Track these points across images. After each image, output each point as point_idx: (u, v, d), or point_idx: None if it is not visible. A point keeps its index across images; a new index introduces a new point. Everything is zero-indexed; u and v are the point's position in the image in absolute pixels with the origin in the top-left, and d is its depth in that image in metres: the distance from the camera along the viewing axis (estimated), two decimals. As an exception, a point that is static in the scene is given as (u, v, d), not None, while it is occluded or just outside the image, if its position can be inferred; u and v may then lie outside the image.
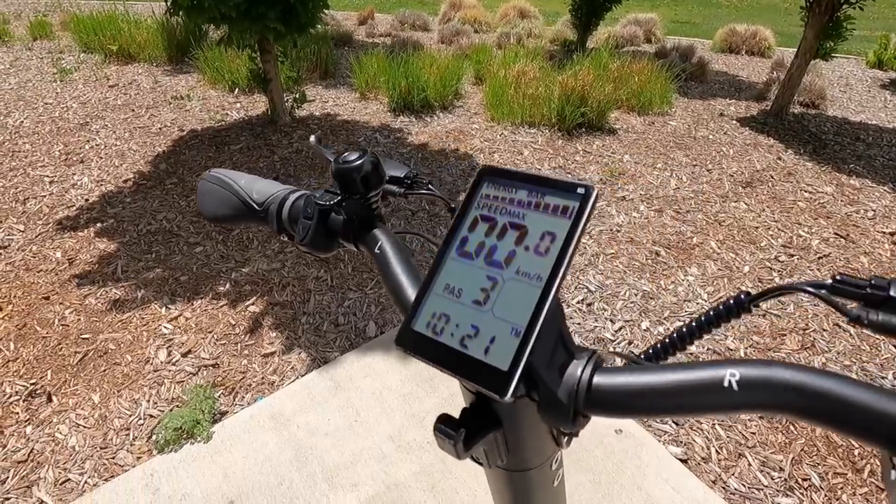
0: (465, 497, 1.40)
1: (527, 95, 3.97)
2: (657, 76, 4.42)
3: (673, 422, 1.63)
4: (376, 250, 0.45)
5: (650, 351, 0.35)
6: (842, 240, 2.59)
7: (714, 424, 1.62)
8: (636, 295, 2.19)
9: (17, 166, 3.19)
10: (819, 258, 2.45)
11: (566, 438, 0.38)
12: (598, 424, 1.57)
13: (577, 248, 0.30)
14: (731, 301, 0.33)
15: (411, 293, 0.40)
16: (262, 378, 1.79)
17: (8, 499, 1.41)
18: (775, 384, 0.26)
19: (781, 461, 1.51)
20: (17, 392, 1.71)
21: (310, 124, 3.85)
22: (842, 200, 2.97)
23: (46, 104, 4.19)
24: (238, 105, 4.24)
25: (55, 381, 1.76)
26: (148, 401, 1.71)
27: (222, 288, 2.19)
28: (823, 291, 0.28)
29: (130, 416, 1.66)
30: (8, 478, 1.46)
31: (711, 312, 0.34)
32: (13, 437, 1.57)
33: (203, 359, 1.86)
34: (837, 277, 0.28)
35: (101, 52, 5.54)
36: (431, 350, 0.32)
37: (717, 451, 1.54)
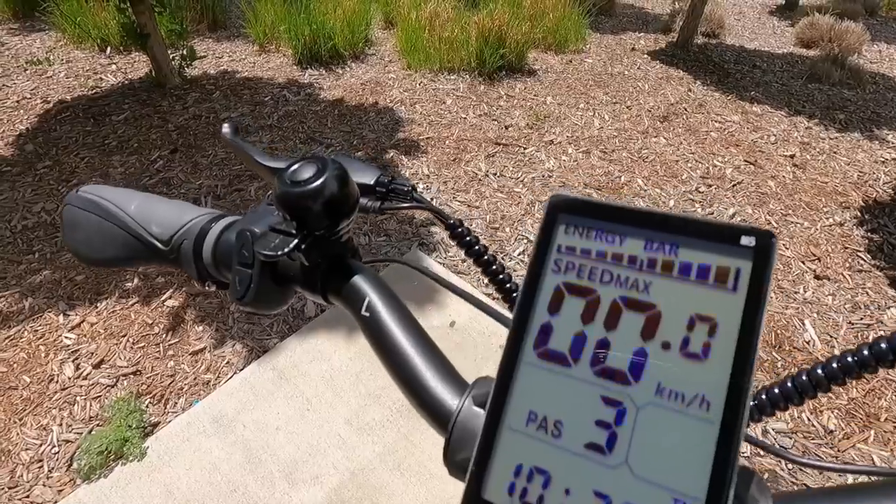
0: (434, 469, 1.37)
1: (442, 39, 3.76)
2: (570, 12, 4.35)
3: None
4: (363, 312, 0.31)
5: (765, 396, 0.24)
6: (751, 166, 2.76)
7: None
8: (574, 239, 2.21)
9: None
10: (733, 186, 2.60)
11: None
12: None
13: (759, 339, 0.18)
14: None
15: (438, 387, 0.27)
16: (195, 379, 1.62)
17: None
18: None
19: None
20: None
21: (205, 85, 3.42)
22: (747, 128, 3.15)
23: None
24: (113, 67, 3.66)
25: (-66, 421, 1.48)
26: (60, 425, 1.49)
27: (129, 284, 1.93)
28: None
29: (41, 445, 1.44)
30: None
31: (866, 352, 0.22)
32: None
33: (120, 367, 1.65)
34: None
35: (-81, 9, 4.50)
36: None
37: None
